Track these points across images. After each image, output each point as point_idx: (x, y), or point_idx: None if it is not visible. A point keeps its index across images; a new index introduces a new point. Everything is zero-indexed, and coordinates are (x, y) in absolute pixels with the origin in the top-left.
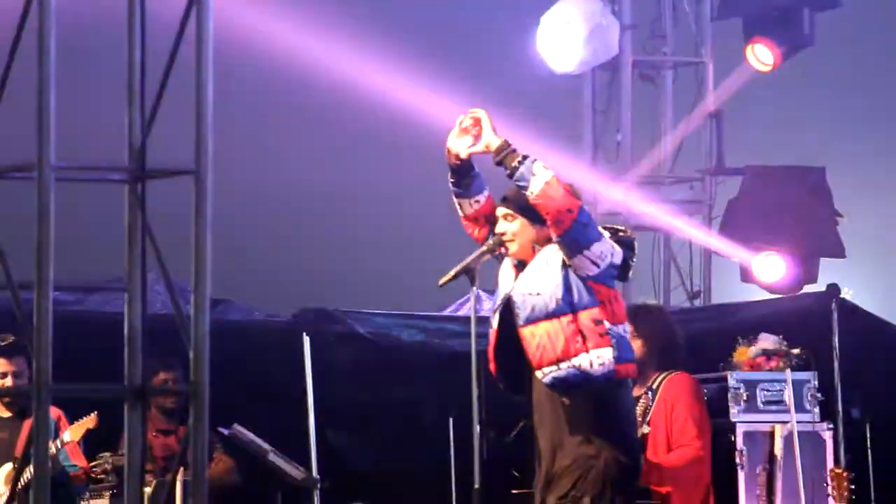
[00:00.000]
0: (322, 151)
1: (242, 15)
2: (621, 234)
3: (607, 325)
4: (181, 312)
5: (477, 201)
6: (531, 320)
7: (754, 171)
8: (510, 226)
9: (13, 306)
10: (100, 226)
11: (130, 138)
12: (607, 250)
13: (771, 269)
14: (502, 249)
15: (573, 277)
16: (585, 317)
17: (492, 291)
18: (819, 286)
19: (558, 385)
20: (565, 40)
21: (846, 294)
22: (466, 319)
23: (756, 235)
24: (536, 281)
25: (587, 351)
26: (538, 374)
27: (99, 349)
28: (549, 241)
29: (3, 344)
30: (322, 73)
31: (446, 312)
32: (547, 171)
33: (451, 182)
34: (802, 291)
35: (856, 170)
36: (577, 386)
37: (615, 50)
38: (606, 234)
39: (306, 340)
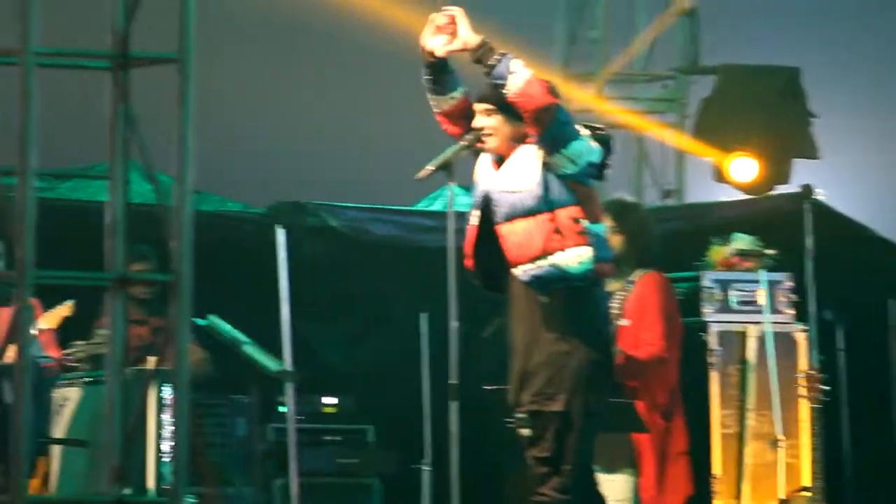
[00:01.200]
0: (301, 44)
1: None
2: (598, 132)
3: (585, 223)
4: (163, 202)
5: (452, 98)
6: (509, 218)
7: (728, 71)
8: (488, 121)
9: None
10: (78, 113)
11: (114, 25)
12: (585, 149)
13: (743, 169)
14: (480, 145)
15: (551, 176)
16: (563, 215)
17: (468, 187)
18: (793, 187)
19: (535, 283)
20: None
21: (819, 195)
22: (439, 215)
23: (729, 135)
24: (515, 178)
25: (565, 249)
26: (515, 271)
27: (72, 237)
28: (526, 138)
29: None
30: None
31: (419, 208)
32: (526, 69)
33: (426, 79)
34: (775, 192)
35: (833, 71)
36: (554, 283)
37: None
38: (585, 132)
39: (280, 233)
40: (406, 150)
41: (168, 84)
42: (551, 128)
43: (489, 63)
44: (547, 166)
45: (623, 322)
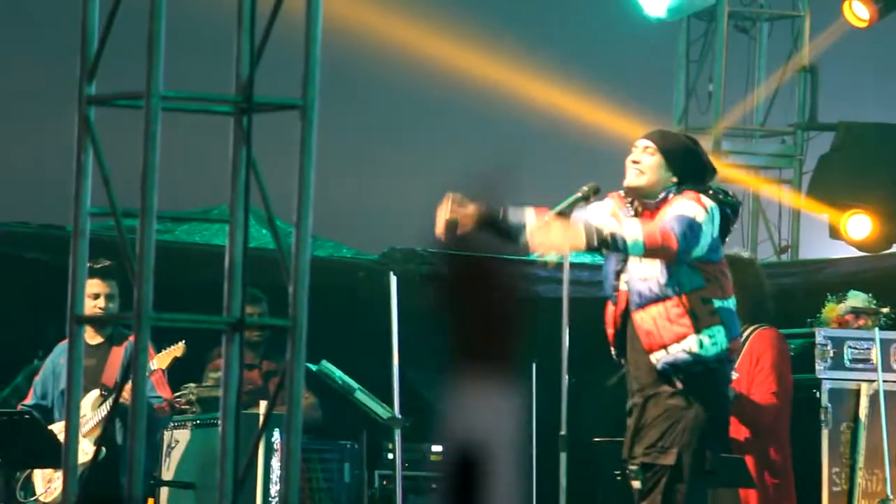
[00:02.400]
0: (416, 93)
1: None
2: (722, 197)
3: (716, 302)
4: (281, 247)
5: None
6: (641, 305)
7: (847, 128)
8: (648, 159)
9: (117, 233)
10: (196, 157)
11: (238, 70)
12: (706, 240)
13: (859, 226)
14: (621, 194)
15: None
16: (693, 297)
17: None
18: None
19: (670, 370)
20: None
21: None
22: (554, 265)
23: (846, 192)
24: (644, 264)
25: (697, 332)
26: (651, 358)
27: (185, 279)
28: (670, 189)
29: (98, 266)
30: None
31: (533, 257)
32: (635, 233)
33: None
34: (892, 250)
35: None
36: (689, 368)
37: None
38: (708, 202)
39: (393, 279)
40: (521, 200)
41: (287, 129)
42: (675, 258)
43: (607, 243)
44: None
45: (734, 375)
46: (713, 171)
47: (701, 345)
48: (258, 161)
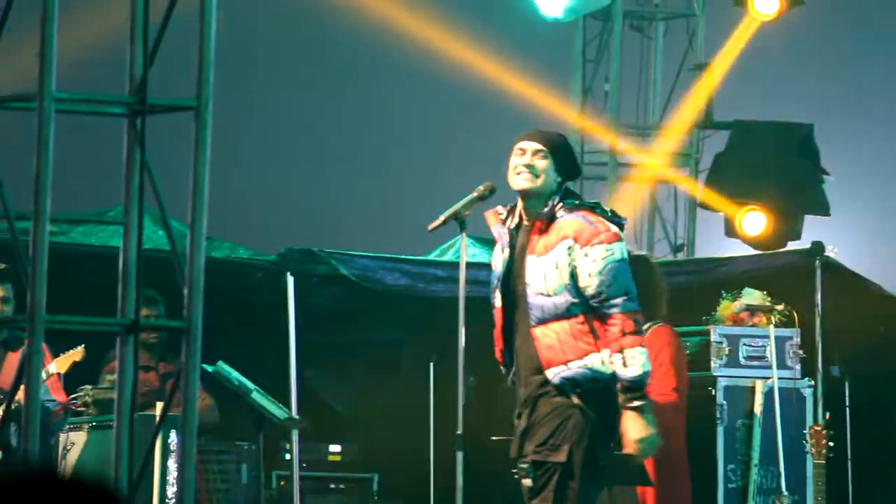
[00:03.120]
0: (315, 95)
1: None
2: (611, 216)
3: None
4: (176, 249)
5: None
6: (543, 321)
7: (742, 126)
8: (541, 162)
9: (10, 237)
10: (92, 159)
11: (132, 72)
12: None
13: (755, 224)
14: (522, 181)
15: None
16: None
17: (480, 238)
18: (804, 243)
19: (567, 384)
20: None
21: (830, 252)
22: (450, 265)
23: (742, 190)
24: (547, 281)
25: (598, 350)
26: (548, 373)
27: (82, 281)
28: (557, 193)
29: None
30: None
31: (431, 257)
32: (636, 356)
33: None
34: (786, 248)
35: (845, 128)
36: (585, 384)
37: None
38: (613, 227)
39: (290, 280)
40: (419, 200)
41: (184, 130)
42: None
43: (637, 389)
44: (576, 270)
45: None
46: (580, 170)
47: (602, 362)
48: (152, 162)
